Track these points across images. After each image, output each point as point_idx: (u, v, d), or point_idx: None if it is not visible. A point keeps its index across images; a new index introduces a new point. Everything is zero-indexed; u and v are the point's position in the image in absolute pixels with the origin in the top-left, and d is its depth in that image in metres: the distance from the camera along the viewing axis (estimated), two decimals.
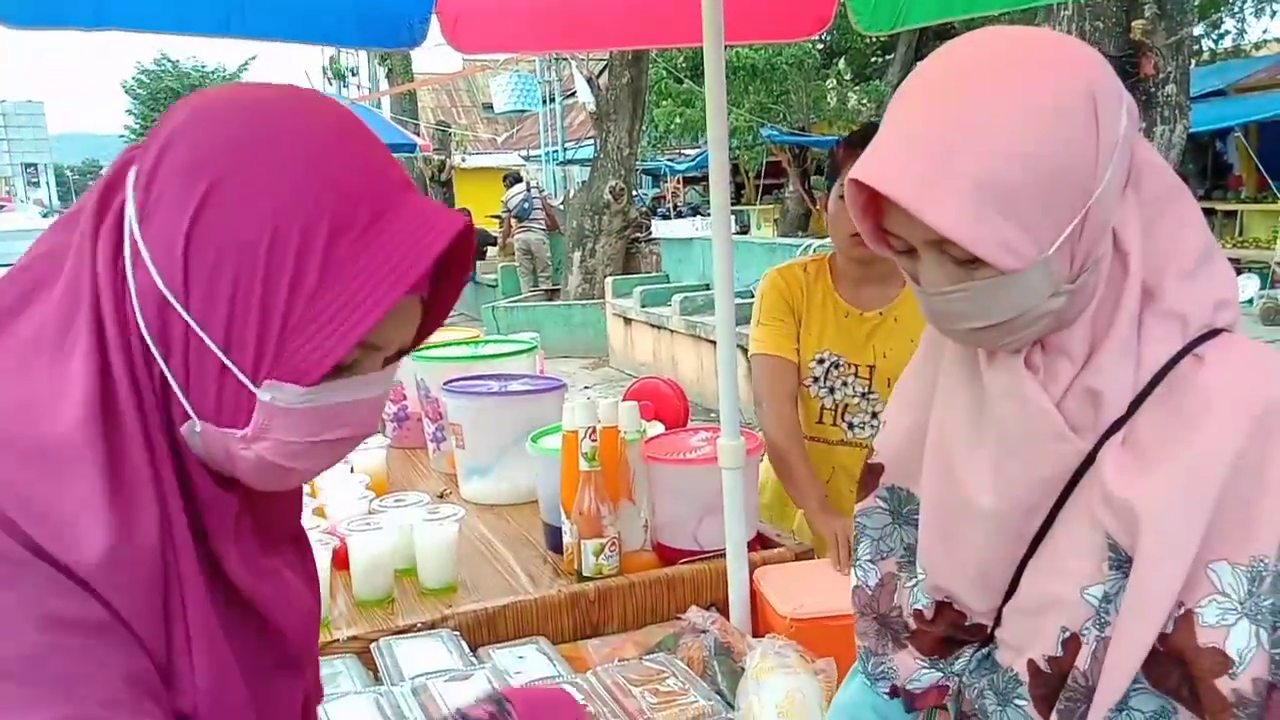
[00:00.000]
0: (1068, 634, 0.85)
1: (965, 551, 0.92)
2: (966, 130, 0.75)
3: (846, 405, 2.09)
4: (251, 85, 0.70)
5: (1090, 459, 0.82)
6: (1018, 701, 0.91)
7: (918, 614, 1.00)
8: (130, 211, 0.65)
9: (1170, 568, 0.77)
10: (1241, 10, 15.82)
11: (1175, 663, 0.78)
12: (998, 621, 0.94)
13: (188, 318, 0.65)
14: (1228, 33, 15.74)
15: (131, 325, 0.65)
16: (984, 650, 0.96)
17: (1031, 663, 0.88)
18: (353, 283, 0.65)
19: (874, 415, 2.07)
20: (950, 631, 0.98)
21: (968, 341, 0.87)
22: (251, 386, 0.66)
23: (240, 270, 0.64)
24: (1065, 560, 0.85)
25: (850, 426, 2.09)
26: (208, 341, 0.65)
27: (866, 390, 2.07)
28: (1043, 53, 0.78)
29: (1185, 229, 0.83)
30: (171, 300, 0.65)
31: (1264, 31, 15.85)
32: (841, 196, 1.97)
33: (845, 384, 2.09)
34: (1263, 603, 0.75)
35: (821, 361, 2.09)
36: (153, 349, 0.65)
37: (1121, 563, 0.81)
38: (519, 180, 13.44)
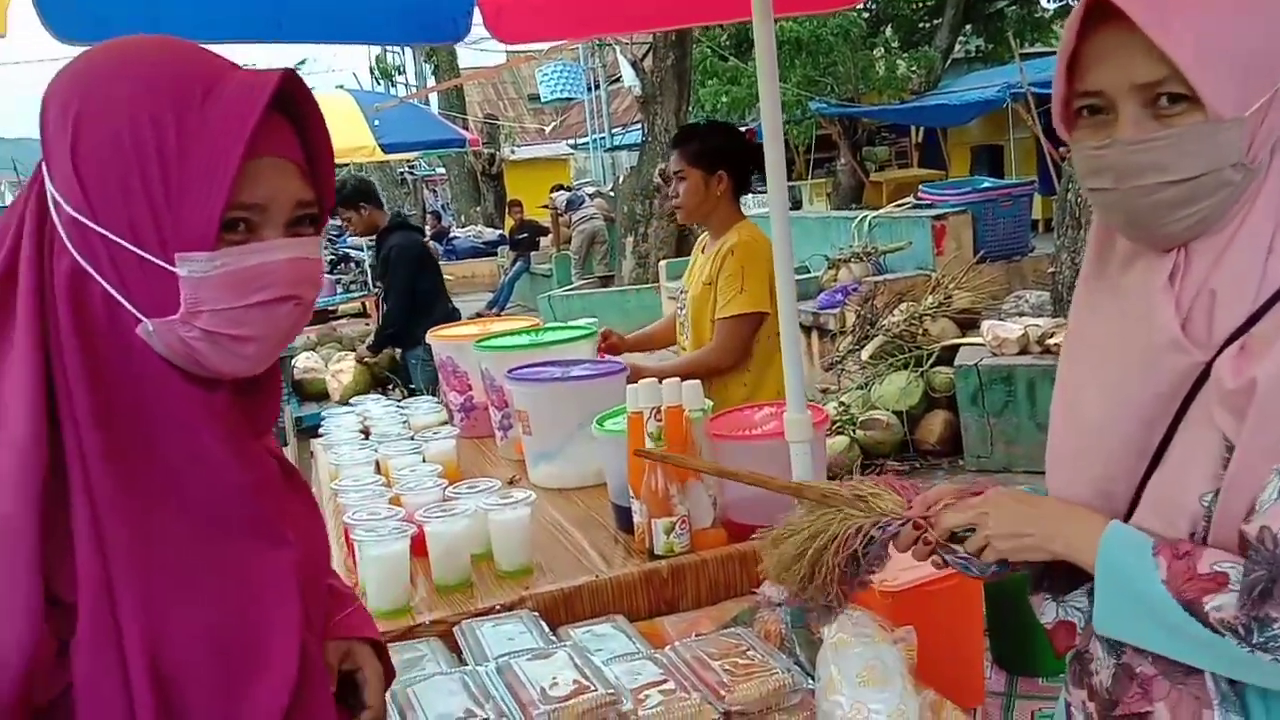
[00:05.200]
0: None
1: (1089, 469, 0.95)
2: None
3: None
4: (99, 44, 0.83)
5: (1207, 373, 0.85)
6: None
7: None
8: (44, 172, 0.80)
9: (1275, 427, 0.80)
10: None
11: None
12: None
13: (96, 226, 0.77)
14: None
15: (61, 258, 0.77)
16: None
17: None
18: (208, 144, 0.77)
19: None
20: (1064, 580, 1.00)
21: (1141, 212, 0.88)
22: (166, 265, 0.77)
23: (117, 168, 0.76)
24: (1185, 469, 0.88)
25: None
26: (117, 240, 0.77)
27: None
28: None
29: None
30: (80, 218, 0.77)
31: None
32: (683, 178, 2.68)
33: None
34: None
35: None
36: (86, 267, 0.77)
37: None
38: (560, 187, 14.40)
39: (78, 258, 0.77)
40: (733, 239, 2.65)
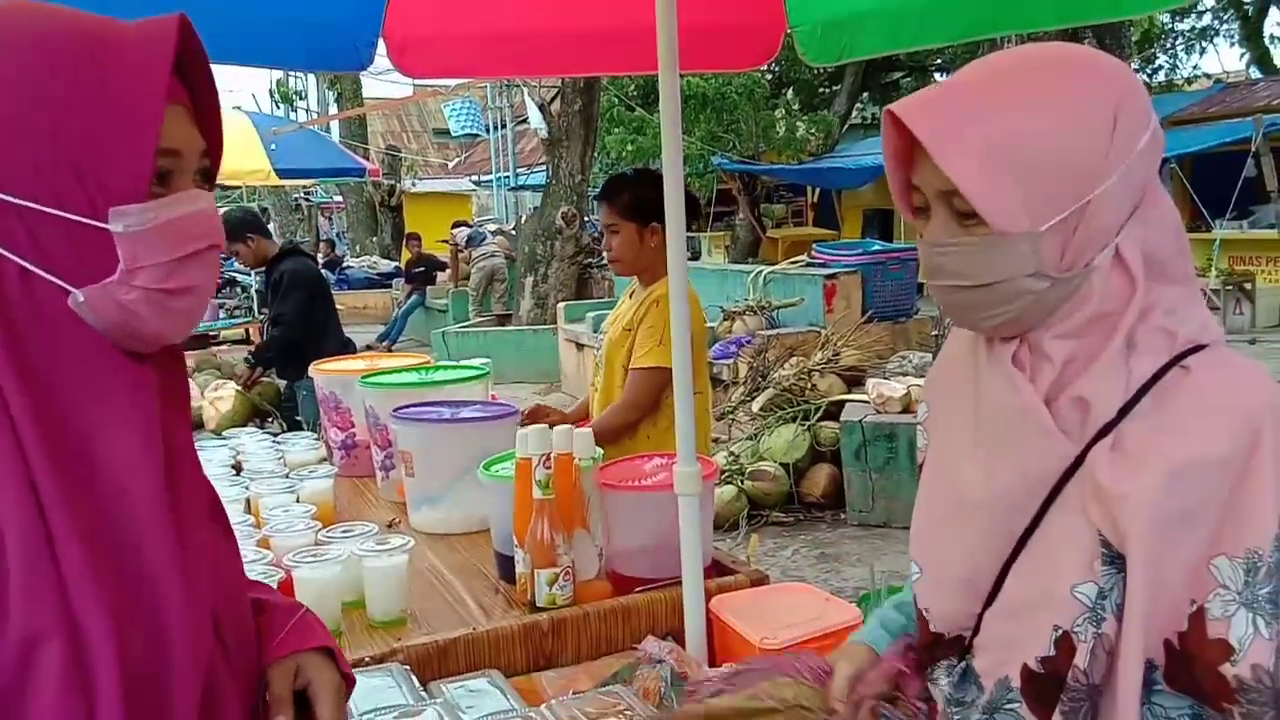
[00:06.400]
0: (1059, 632, 0.86)
1: (962, 539, 0.94)
2: (991, 100, 0.84)
3: None
4: None
5: (1079, 462, 0.86)
6: (1007, 707, 0.91)
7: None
8: None
9: (1162, 561, 0.80)
10: (1173, 46, 16.44)
11: (1189, 659, 0.82)
12: (976, 630, 0.94)
13: (10, 198, 0.71)
14: (1161, 67, 16.35)
15: None
16: (961, 664, 0.97)
17: (1025, 667, 0.89)
18: (120, 94, 0.73)
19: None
20: (926, 652, 1.00)
21: (951, 308, 0.91)
22: (100, 224, 0.73)
23: (26, 134, 0.71)
24: (1055, 558, 0.87)
25: None
26: (38, 208, 0.71)
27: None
28: (1081, 60, 0.86)
29: (1180, 257, 0.90)
30: None
31: (1194, 67, 16.50)
32: (615, 231, 2.65)
33: None
34: (1259, 591, 0.79)
35: None
36: None
37: (1114, 558, 0.84)
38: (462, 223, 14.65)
39: None
40: (661, 289, 2.60)
